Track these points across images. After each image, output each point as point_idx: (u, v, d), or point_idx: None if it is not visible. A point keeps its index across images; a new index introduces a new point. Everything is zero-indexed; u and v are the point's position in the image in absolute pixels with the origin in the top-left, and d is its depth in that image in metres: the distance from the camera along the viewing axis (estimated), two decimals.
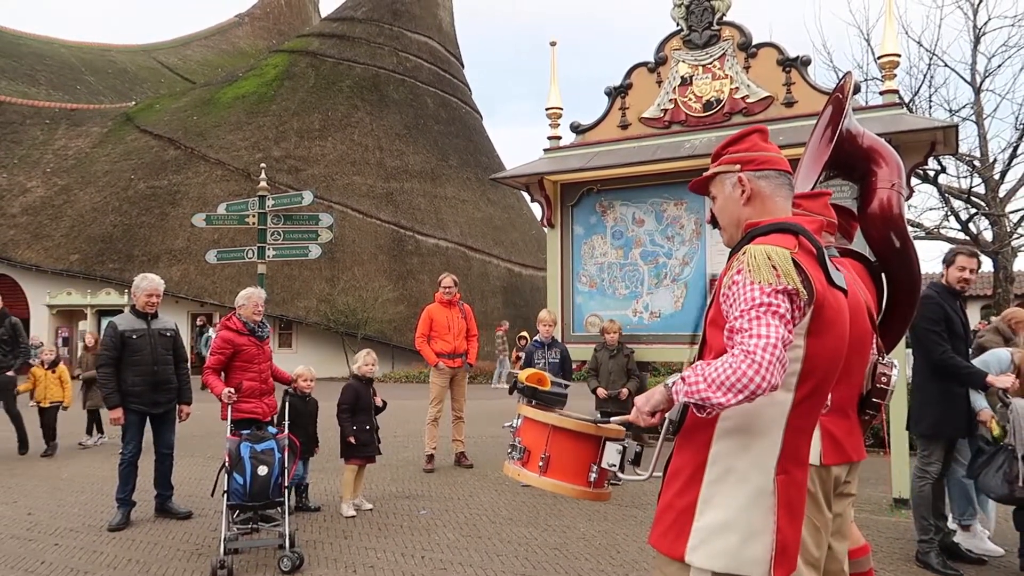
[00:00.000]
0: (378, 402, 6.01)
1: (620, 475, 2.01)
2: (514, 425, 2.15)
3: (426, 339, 7.65)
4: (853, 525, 3.14)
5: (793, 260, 1.73)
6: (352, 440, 5.75)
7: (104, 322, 24.33)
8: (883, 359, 2.53)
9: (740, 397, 1.60)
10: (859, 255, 3.31)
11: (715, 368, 1.64)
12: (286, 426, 5.08)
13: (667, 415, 1.89)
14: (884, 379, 2.46)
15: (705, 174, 2.05)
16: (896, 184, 3.17)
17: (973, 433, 4.50)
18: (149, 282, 5.80)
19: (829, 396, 2.10)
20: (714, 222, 2.07)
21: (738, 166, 1.97)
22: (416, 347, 7.99)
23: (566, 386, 2.39)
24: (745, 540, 1.71)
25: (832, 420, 2.44)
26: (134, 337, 5.66)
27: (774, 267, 1.69)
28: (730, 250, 1.92)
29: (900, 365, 5.78)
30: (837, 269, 1.91)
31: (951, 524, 4.83)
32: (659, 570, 1.85)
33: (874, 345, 2.55)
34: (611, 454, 1.99)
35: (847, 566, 2.58)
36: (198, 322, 18.48)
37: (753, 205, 1.94)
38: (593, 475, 2.00)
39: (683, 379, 1.70)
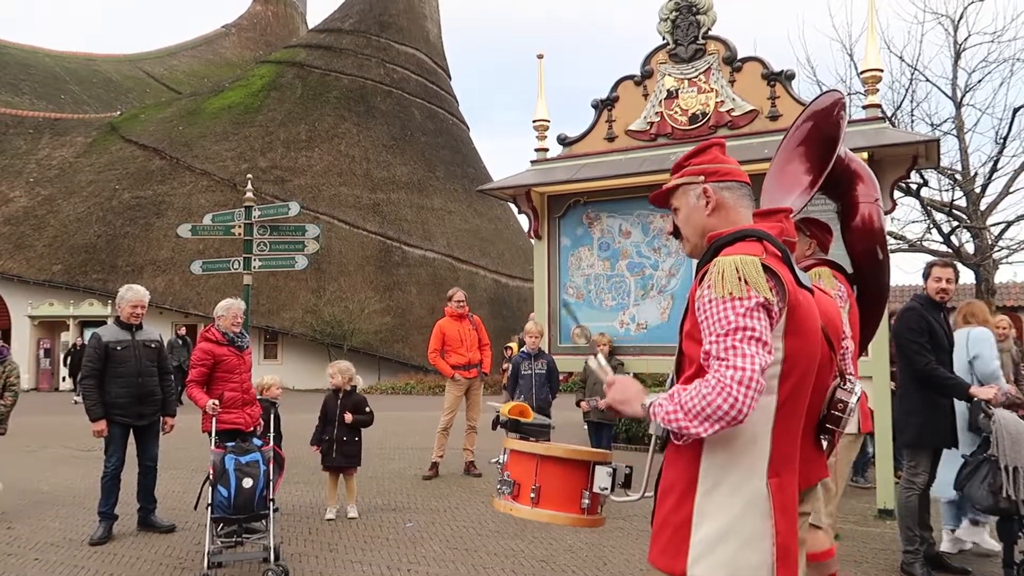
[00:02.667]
0: (347, 418, 6.05)
1: (612, 498, 1.99)
2: (501, 460, 2.11)
3: (439, 354, 7.82)
4: (819, 532, 3.17)
5: (763, 265, 1.75)
6: (315, 449, 6.15)
7: (87, 333, 24.10)
8: (845, 384, 2.50)
9: (716, 427, 1.64)
10: (836, 265, 3.43)
11: (691, 398, 1.67)
12: (271, 438, 5.05)
13: (651, 431, 1.89)
14: (840, 405, 2.41)
15: (667, 186, 2.07)
16: (878, 199, 3.28)
17: (957, 443, 4.53)
18: (134, 293, 5.76)
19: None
20: (676, 233, 2.09)
21: (702, 177, 1.99)
22: (431, 362, 8.17)
23: (550, 426, 2.37)
24: (743, 548, 1.71)
25: None
26: (118, 349, 5.62)
27: (741, 279, 1.71)
28: (698, 262, 1.94)
29: (886, 375, 5.84)
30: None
31: (964, 522, 4.85)
32: None
33: (836, 370, 2.53)
34: (602, 478, 1.97)
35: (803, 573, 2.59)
36: (180, 331, 18.33)
37: (718, 215, 1.97)
38: (586, 501, 1.98)
39: (660, 405, 1.72)
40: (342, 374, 6.18)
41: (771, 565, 1.72)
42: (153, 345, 5.84)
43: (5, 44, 35.74)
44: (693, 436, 1.68)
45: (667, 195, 2.08)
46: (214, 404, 5.21)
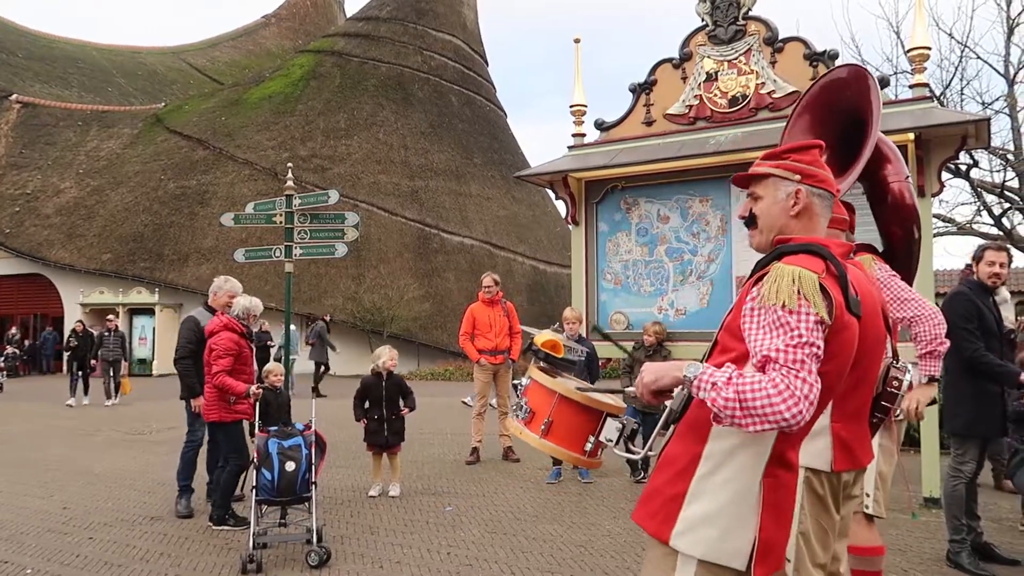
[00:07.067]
0: (404, 411, 6.31)
1: (615, 451, 2.10)
2: (522, 384, 2.25)
3: (469, 337, 7.94)
4: (873, 529, 3.15)
5: (820, 285, 1.74)
6: (363, 424, 6.29)
7: (135, 320, 24.74)
8: (897, 363, 2.52)
9: (766, 427, 1.65)
10: (874, 248, 3.38)
11: (753, 393, 1.64)
12: (313, 423, 5.13)
13: (669, 404, 1.93)
14: (896, 383, 2.44)
15: (758, 170, 2.01)
16: (908, 175, 3.26)
17: (1007, 432, 4.42)
18: (232, 284, 6.04)
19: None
20: (749, 221, 2.04)
21: (799, 177, 1.96)
22: (460, 345, 8.33)
23: (578, 360, 2.45)
24: (725, 534, 1.78)
25: (845, 427, 2.44)
26: None
27: (800, 293, 1.71)
28: (759, 261, 1.91)
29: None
30: (856, 293, 1.91)
31: None
32: (651, 555, 1.94)
33: (888, 348, 2.54)
34: (610, 430, 2.09)
35: (845, 565, 2.61)
36: (323, 319, 17.06)
37: (800, 220, 1.95)
38: (589, 445, 2.12)
39: (714, 386, 1.69)
40: (394, 359, 6.37)
41: (748, 555, 1.78)
42: None
43: (54, 39, 36.68)
44: (739, 428, 1.68)
45: (753, 178, 2.02)
46: (258, 388, 5.31)
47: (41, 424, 11.65)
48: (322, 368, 16.11)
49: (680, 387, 1.85)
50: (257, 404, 5.28)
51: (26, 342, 25.68)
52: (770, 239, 1.98)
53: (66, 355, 16.06)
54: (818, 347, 1.69)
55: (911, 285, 3.49)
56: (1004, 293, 7.06)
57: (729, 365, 1.76)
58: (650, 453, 2.03)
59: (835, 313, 1.75)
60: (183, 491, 5.89)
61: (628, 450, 2.10)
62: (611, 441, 2.07)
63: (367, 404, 6.28)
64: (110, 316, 15.31)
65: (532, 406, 2.16)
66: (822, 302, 1.72)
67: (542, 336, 2.39)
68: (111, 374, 14.28)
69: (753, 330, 1.75)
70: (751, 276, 1.87)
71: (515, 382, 2.40)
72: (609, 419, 2.10)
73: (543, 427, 2.13)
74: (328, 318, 17.90)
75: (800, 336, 1.67)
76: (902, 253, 3.31)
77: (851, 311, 1.83)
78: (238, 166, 26.88)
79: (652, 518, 1.88)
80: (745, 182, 2.04)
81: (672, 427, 1.94)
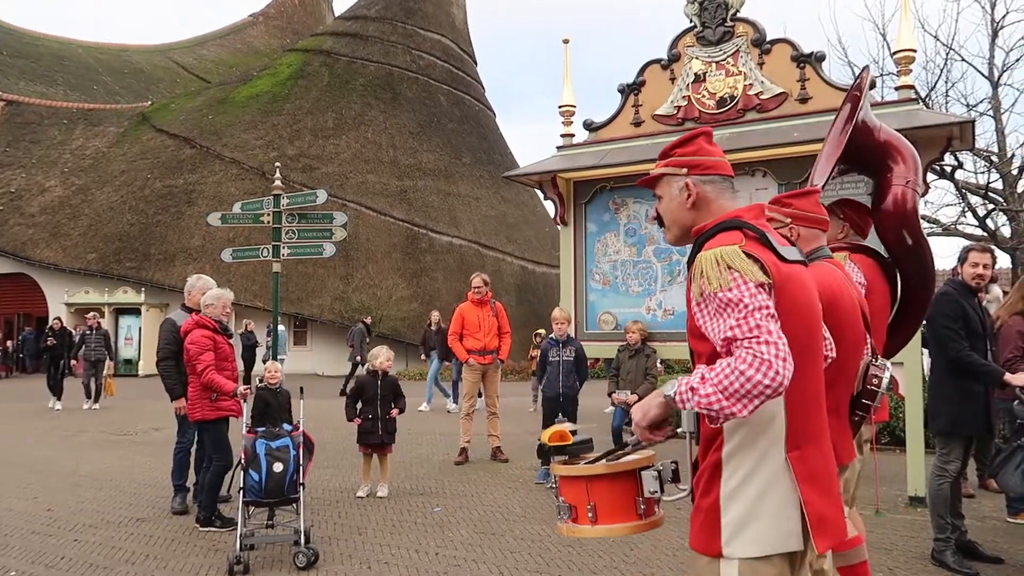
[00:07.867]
0: (394, 412, 6.35)
1: (665, 499, 2.02)
2: (554, 485, 2.16)
3: (458, 337, 7.96)
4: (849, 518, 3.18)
5: (744, 252, 1.78)
6: (357, 424, 6.30)
7: (121, 320, 24.56)
8: (876, 361, 2.54)
9: (758, 403, 1.65)
10: (873, 252, 3.30)
11: (727, 377, 1.66)
12: (301, 423, 5.11)
13: (684, 428, 1.94)
14: (875, 381, 2.47)
15: (652, 173, 2.09)
16: (911, 181, 3.17)
17: (992, 431, 4.46)
18: (204, 282, 6.01)
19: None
20: (659, 220, 2.11)
21: (685, 170, 2.01)
22: (449, 345, 8.34)
23: (590, 439, 2.38)
24: (770, 522, 1.78)
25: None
26: None
27: (729, 268, 1.75)
28: (687, 259, 1.96)
29: (918, 361, 5.76)
30: (791, 243, 1.96)
31: None
32: (697, 569, 1.90)
33: (868, 346, 2.56)
34: (649, 482, 2.01)
35: (829, 562, 2.62)
36: (249, 327, 16.62)
37: (698, 209, 2.00)
38: (642, 507, 2.02)
39: (692, 390, 1.72)
40: (390, 360, 6.49)
41: (800, 534, 1.78)
42: None
43: (39, 36, 36.35)
44: (733, 416, 1.68)
45: (653, 182, 2.10)
46: (245, 388, 5.28)
47: (24, 425, 11.55)
48: (357, 369, 15.83)
49: (684, 409, 1.83)
50: (247, 404, 5.26)
51: (9, 343, 25.44)
52: (678, 235, 2.05)
53: (44, 356, 15.41)
54: (768, 307, 1.71)
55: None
56: (996, 291, 7.10)
57: (700, 367, 1.79)
58: None
59: (770, 270, 1.78)
60: (177, 490, 5.96)
61: (663, 489, 2.01)
62: (656, 492, 1.99)
63: (360, 404, 6.32)
64: (92, 314, 14.68)
65: (570, 501, 2.06)
66: (752, 266, 1.75)
67: (546, 434, 2.32)
68: (93, 375, 13.77)
69: (707, 323, 1.79)
70: (688, 275, 1.91)
71: (549, 486, 2.29)
72: (643, 473, 2.02)
73: (590, 515, 2.01)
74: (368, 320, 17.51)
75: (746, 306, 1.70)
76: (900, 257, 3.24)
77: (786, 260, 1.86)
78: (225, 165, 26.72)
79: (700, 537, 1.87)
80: (649, 186, 2.12)
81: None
